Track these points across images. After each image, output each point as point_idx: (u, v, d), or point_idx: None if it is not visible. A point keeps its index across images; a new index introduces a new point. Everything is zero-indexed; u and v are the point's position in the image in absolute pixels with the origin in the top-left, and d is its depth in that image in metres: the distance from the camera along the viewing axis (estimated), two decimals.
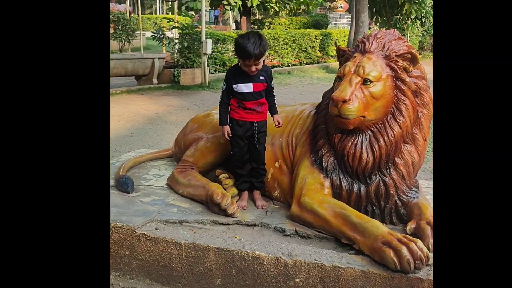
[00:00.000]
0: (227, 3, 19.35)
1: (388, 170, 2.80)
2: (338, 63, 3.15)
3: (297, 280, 2.47)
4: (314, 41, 18.11)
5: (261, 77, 3.04)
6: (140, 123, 8.12)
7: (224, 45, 14.31)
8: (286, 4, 21.91)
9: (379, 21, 18.16)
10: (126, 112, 9.00)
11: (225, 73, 3.15)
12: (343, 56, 3.02)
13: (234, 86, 3.04)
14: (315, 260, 2.44)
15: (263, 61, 3.03)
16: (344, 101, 2.66)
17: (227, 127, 3.13)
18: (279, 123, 3.14)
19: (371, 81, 2.71)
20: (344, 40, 19.02)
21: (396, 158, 2.80)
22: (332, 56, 18.64)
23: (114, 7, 20.42)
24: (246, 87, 3.02)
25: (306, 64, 17.77)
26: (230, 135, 3.12)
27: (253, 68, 2.97)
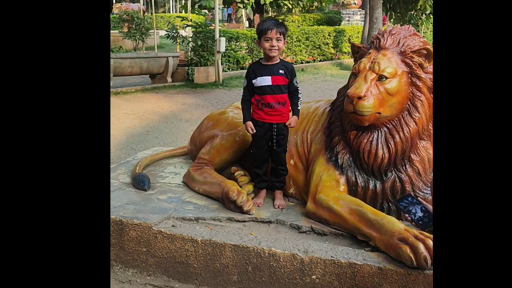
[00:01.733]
0: (240, 1, 19.37)
1: (404, 167, 2.79)
2: (352, 59, 3.15)
3: (313, 276, 2.48)
4: (327, 38, 18.06)
5: (281, 71, 3.02)
6: (155, 121, 8.17)
7: (238, 43, 14.32)
8: (299, 1, 21.85)
9: (393, 17, 18.05)
10: (141, 110, 9.06)
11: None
12: (358, 53, 3.01)
13: (254, 81, 3.04)
14: (331, 256, 2.45)
15: (283, 51, 3.04)
16: (360, 98, 2.65)
17: (249, 123, 3.09)
18: (289, 124, 3.07)
19: (386, 78, 2.70)
20: (358, 37, 18.93)
21: (412, 155, 2.79)
22: (345, 53, 18.57)
23: (128, 6, 20.59)
24: (264, 80, 3.00)
25: (320, 61, 17.71)
26: (254, 131, 3.08)
27: (274, 42, 2.97)
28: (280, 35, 2.97)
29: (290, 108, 3.09)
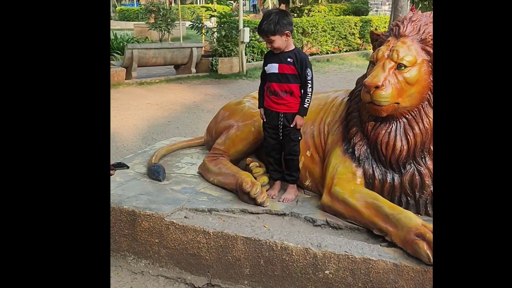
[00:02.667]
0: None
1: (423, 159, 2.68)
2: None
3: (326, 271, 2.41)
4: (353, 28, 17.75)
5: (289, 59, 2.91)
6: (177, 111, 8.16)
7: None
8: None
9: (420, 5, 17.67)
10: (165, 100, 9.07)
11: (262, 62, 3.15)
12: (376, 41, 2.91)
13: (265, 67, 3.02)
14: (345, 251, 2.37)
15: (288, 41, 2.92)
16: (377, 87, 2.56)
17: (261, 110, 3.10)
18: (294, 124, 2.96)
19: (405, 66, 2.59)
20: (385, 27, 18.59)
21: (432, 147, 2.67)
22: None
23: None
24: (272, 68, 2.97)
25: (346, 51, 17.46)
26: (265, 119, 3.07)
27: (268, 45, 2.96)
28: (268, 37, 2.89)
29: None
